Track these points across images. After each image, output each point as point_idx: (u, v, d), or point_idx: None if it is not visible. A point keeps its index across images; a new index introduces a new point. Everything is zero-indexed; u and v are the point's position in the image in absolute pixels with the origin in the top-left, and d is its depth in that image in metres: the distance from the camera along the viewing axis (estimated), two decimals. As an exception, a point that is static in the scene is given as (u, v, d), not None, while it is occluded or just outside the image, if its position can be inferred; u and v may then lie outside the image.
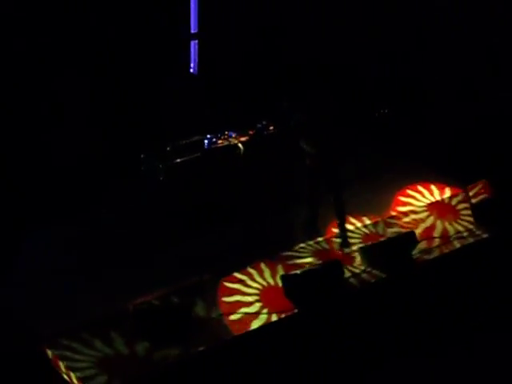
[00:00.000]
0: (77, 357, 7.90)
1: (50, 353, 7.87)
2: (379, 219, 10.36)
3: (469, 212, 10.32)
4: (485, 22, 11.98)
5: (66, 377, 7.71)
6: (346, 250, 9.59)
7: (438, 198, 10.94)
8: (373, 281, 9.14)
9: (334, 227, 10.05)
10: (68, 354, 7.90)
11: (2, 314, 8.32)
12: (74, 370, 7.69)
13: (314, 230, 9.94)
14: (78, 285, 8.80)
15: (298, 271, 8.97)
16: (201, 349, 8.06)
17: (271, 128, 10.16)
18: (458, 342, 8.86)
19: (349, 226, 10.14)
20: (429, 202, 10.85)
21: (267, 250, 9.54)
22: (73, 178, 10.05)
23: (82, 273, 8.99)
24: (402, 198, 10.88)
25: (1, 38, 9.59)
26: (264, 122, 9.53)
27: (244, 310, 8.69)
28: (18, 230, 9.43)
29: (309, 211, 9.91)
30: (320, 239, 9.92)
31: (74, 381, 7.65)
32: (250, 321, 8.54)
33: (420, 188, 11.10)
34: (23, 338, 8.02)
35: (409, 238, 9.66)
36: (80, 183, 10.06)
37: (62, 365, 7.77)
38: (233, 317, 8.59)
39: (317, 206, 9.85)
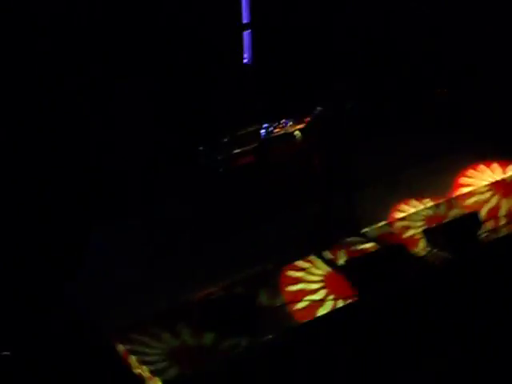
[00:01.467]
0: (147, 350, 8.01)
1: (120, 348, 7.98)
2: (442, 201, 10.22)
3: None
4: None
5: (137, 371, 7.82)
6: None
7: (502, 175, 10.74)
8: (438, 263, 9.04)
9: (400, 209, 9.96)
10: (138, 348, 8.02)
11: (71, 311, 8.46)
12: (145, 363, 7.80)
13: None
14: (143, 277, 8.88)
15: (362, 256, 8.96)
16: (267, 338, 8.07)
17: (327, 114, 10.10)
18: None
19: (411, 209, 10.03)
20: (492, 180, 10.66)
21: (330, 236, 9.49)
22: (135, 174, 10.17)
23: (148, 266, 9.07)
24: (465, 179, 10.70)
25: (58, 37, 9.72)
26: (319, 108, 9.46)
27: (309, 297, 8.68)
28: (85, 227, 9.57)
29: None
30: (382, 223, 9.83)
31: (147, 374, 7.75)
32: (316, 308, 8.53)
33: (482, 167, 10.90)
34: (93, 335, 8.14)
35: (472, 219, 9.53)
36: (141, 178, 10.17)
37: (133, 359, 7.88)
38: (298, 305, 8.59)
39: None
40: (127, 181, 10.12)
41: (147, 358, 7.92)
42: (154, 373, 7.73)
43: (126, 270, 8.97)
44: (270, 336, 8.12)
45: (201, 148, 10.10)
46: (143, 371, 7.78)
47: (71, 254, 9.20)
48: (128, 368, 7.88)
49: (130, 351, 7.98)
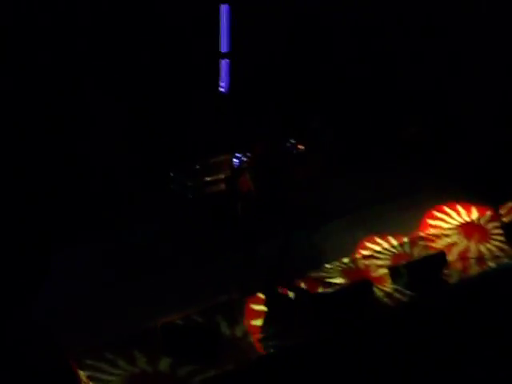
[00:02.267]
0: (103, 377, 7.92)
1: (80, 372, 7.90)
2: (406, 239, 10.28)
3: (500, 232, 10.21)
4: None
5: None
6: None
7: (467, 218, 10.84)
8: (404, 300, 9.07)
9: (363, 248, 10.01)
10: (95, 374, 7.92)
11: (32, 329, 8.35)
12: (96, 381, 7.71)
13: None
14: (104, 302, 8.81)
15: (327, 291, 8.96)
16: (228, 368, 8.02)
17: (300, 147, 10.15)
18: (488, 366, 8.71)
19: (376, 247, 10.08)
20: (457, 222, 10.74)
21: (296, 270, 9.49)
22: (104, 195, 10.12)
23: (111, 290, 9.01)
24: (432, 219, 10.77)
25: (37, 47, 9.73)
26: (293, 141, 9.50)
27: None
28: (49, 247, 9.48)
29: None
30: (346, 260, 9.85)
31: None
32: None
33: (447, 209, 11.00)
34: (52, 354, 8.04)
35: (439, 259, 9.59)
36: (112, 201, 10.12)
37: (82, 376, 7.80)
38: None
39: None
40: (96, 203, 10.07)
41: (102, 377, 7.81)
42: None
43: (86, 294, 8.88)
44: (230, 366, 8.05)
45: (172, 173, 10.08)
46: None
47: (33, 276, 9.11)
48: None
49: (86, 368, 7.86)
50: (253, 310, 8.95)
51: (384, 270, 9.58)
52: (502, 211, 10.41)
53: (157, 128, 10.65)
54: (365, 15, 11.88)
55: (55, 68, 9.95)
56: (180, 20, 10.63)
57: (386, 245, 10.19)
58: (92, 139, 10.26)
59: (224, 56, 11.19)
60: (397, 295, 9.19)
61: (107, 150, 10.30)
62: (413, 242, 10.25)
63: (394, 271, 9.42)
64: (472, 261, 9.81)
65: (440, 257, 9.65)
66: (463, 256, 9.93)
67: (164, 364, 8.05)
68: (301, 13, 11.49)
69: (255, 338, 8.55)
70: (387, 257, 9.97)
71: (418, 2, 11.94)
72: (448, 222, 10.74)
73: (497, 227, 10.39)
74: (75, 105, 10.11)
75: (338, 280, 9.44)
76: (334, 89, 11.78)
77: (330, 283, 9.31)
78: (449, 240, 10.30)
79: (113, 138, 10.41)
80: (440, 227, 10.62)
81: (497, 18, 11.74)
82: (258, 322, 8.77)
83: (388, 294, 9.19)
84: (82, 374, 7.84)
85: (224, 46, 11.15)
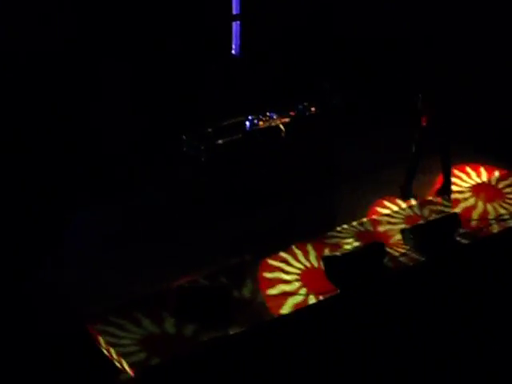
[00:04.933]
0: (120, 333, 8.01)
1: (94, 329, 7.98)
2: (422, 201, 10.26)
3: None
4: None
5: (106, 352, 7.82)
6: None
7: (478, 179, 10.79)
8: (414, 263, 9.08)
9: (380, 207, 10.04)
10: (112, 330, 8.01)
11: (51, 291, 8.44)
12: (114, 345, 7.80)
13: (409, 192, 10.20)
14: (121, 263, 8.89)
15: (339, 253, 8.98)
16: (240, 330, 8.09)
17: (312, 109, 10.10)
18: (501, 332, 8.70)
19: (393, 207, 10.07)
20: (469, 185, 10.71)
21: (309, 231, 9.51)
22: (118, 160, 10.16)
23: (129, 251, 9.07)
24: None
25: (44, 24, 9.70)
26: (305, 103, 9.46)
27: (282, 287, 8.70)
28: (65, 210, 9.55)
29: (408, 173, 10.18)
30: (364, 220, 9.86)
31: (114, 356, 7.75)
32: (286, 298, 8.55)
33: (468, 169, 10.94)
34: (71, 316, 8.11)
35: (452, 220, 9.57)
36: (125, 164, 10.15)
37: (102, 341, 7.88)
38: (270, 291, 8.62)
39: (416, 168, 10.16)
40: (109, 166, 10.10)
41: (119, 341, 7.87)
42: (120, 355, 7.69)
43: (104, 255, 8.97)
44: (245, 328, 8.11)
45: (184, 137, 10.08)
46: (112, 353, 7.75)
47: (50, 237, 9.18)
48: (99, 351, 7.86)
49: (103, 332, 7.94)
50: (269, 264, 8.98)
51: (397, 232, 9.58)
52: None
53: (169, 91, 10.62)
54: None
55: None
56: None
57: (397, 208, 10.18)
58: (105, 101, 10.25)
59: (235, 18, 11.12)
60: (412, 255, 9.17)
61: (120, 113, 10.30)
62: (428, 203, 10.21)
63: (407, 233, 9.41)
64: (492, 221, 9.77)
65: (454, 218, 9.62)
66: (483, 217, 9.89)
67: (186, 327, 8.09)
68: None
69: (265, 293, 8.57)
70: (400, 220, 9.95)
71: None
72: (459, 185, 10.70)
73: (509, 185, 10.34)
74: (86, 66, 10.08)
75: (351, 242, 9.45)
76: (347, 52, 11.67)
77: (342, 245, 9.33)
78: (464, 204, 10.25)
79: (126, 101, 10.40)
80: (457, 185, 10.58)
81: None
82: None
83: (402, 255, 9.17)
84: (102, 339, 7.90)
85: (236, 8, 11.07)
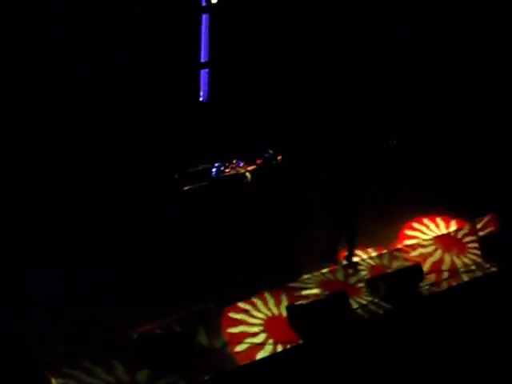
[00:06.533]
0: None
1: (53, 381, 7.81)
2: (385, 251, 10.32)
3: (476, 245, 10.29)
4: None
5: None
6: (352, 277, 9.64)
7: (444, 231, 10.90)
8: (379, 312, 9.09)
9: (342, 257, 10.07)
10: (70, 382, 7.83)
11: (6, 338, 8.25)
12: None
13: (333, 257, 10.02)
14: (80, 312, 8.74)
15: (304, 302, 8.96)
16: (205, 378, 7.99)
17: (279, 157, 10.18)
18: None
19: (355, 258, 10.12)
20: (435, 235, 10.80)
21: (272, 280, 9.49)
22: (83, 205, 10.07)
23: (84, 300, 8.95)
24: (409, 232, 10.83)
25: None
26: (271, 152, 9.52)
27: (249, 340, 8.63)
28: (21, 255, 9.41)
29: (333, 239, 10.02)
30: (325, 270, 9.88)
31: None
32: (256, 351, 8.48)
33: (426, 221, 11.06)
34: (26, 363, 7.94)
35: (415, 271, 9.62)
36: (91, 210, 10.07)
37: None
38: (238, 347, 8.53)
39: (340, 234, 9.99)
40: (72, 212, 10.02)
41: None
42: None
43: (62, 301, 8.85)
44: (208, 377, 8.02)
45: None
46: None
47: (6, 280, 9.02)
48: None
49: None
50: (230, 318, 8.92)
51: (361, 282, 9.60)
52: (478, 225, 10.47)
53: (137, 139, 10.61)
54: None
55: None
56: (160, 30, 10.62)
57: (364, 256, 10.22)
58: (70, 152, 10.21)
59: (204, 66, 11.19)
60: (375, 304, 9.20)
61: (89, 162, 10.26)
62: (390, 254, 10.28)
63: (371, 283, 9.44)
64: (445, 273, 9.86)
65: (416, 269, 9.68)
66: (436, 268, 9.98)
67: (141, 375, 7.96)
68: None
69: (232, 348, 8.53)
70: (364, 268, 9.99)
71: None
72: (426, 234, 10.79)
73: (473, 241, 10.45)
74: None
75: (315, 291, 9.44)
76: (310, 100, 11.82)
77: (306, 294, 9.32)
78: (424, 251, 10.34)
79: (91, 149, 10.36)
80: (418, 237, 10.67)
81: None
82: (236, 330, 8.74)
83: (364, 306, 9.19)
84: (55, 381, 7.73)
85: (204, 56, 11.15)
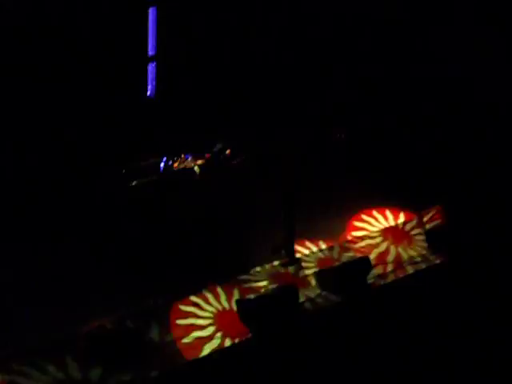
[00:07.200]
0: (26, 382, 7.76)
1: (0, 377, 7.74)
2: (334, 244, 10.40)
3: (422, 237, 10.42)
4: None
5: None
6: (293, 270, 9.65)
7: (393, 223, 11.03)
8: (327, 305, 9.17)
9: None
10: (19, 379, 7.76)
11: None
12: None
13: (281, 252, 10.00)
14: (30, 307, 8.66)
15: (253, 295, 8.99)
16: (153, 374, 7.97)
17: (228, 152, 10.19)
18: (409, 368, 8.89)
19: (304, 251, 10.17)
20: (383, 227, 10.92)
21: (223, 274, 9.51)
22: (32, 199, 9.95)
23: (36, 294, 8.85)
24: (357, 223, 10.93)
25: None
26: (220, 146, 9.52)
27: (197, 333, 8.64)
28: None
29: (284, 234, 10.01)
30: (276, 263, 9.92)
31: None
32: (202, 345, 8.49)
33: (375, 213, 11.17)
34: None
35: (363, 263, 9.72)
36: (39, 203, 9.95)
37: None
38: (185, 340, 8.53)
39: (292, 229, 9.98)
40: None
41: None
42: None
43: (12, 297, 8.74)
44: (156, 372, 8.01)
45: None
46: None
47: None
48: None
49: (9, 381, 7.69)
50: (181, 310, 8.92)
51: (310, 275, 9.67)
52: (425, 218, 10.62)
53: (83, 134, 10.51)
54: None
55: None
56: (106, 24, 10.54)
57: (313, 249, 10.29)
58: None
59: (151, 59, 11.13)
60: (324, 297, 9.28)
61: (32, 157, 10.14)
62: (339, 246, 10.36)
63: (319, 276, 9.51)
64: (390, 265, 9.98)
65: (364, 261, 9.78)
66: (382, 259, 10.09)
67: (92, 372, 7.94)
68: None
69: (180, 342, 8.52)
70: (313, 261, 10.06)
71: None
72: (374, 225, 10.91)
73: (420, 233, 10.59)
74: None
75: (265, 284, 9.48)
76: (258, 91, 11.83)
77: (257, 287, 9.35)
78: (371, 242, 10.44)
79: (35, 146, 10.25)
80: (366, 230, 10.77)
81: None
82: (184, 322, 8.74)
83: (315, 297, 9.27)
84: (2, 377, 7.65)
85: (151, 49, 11.09)
